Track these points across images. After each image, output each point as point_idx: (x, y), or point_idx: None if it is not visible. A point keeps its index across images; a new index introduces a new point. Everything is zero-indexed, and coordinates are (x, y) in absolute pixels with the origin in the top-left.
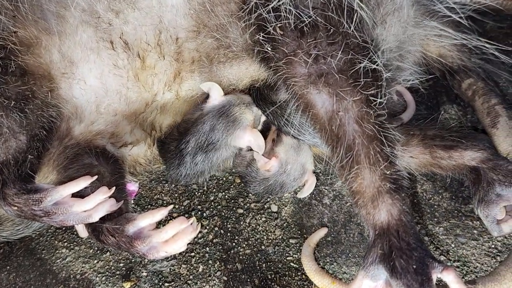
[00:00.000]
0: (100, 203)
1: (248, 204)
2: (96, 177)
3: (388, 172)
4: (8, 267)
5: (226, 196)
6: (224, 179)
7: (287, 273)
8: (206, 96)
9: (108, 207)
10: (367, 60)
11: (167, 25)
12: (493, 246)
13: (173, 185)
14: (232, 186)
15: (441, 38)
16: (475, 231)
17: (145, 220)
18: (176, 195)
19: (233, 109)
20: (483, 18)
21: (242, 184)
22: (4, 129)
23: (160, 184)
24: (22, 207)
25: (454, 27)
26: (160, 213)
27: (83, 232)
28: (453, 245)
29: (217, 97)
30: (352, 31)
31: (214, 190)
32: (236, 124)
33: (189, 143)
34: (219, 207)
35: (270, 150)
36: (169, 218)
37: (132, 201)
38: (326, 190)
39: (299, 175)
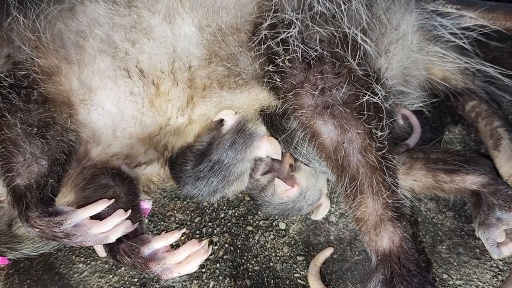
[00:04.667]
0: (117, 225)
1: (257, 222)
2: (113, 200)
3: (390, 201)
4: (28, 281)
5: (236, 214)
6: (234, 197)
7: None
8: (220, 120)
9: (124, 229)
10: (370, 93)
11: (180, 54)
12: (494, 265)
13: (185, 202)
14: (241, 203)
15: (444, 62)
16: (477, 250)
17: (159, 243)
18: (188, 212)
19: (248, 125)
20: (486, 39)
21: (252, 202)
22: (27, 155)
23: (173, 201)
24: (44, 229)
25: (458, 50)
26: (174, 236)
27: (101, 252)
28: (455, 264)
29: (230, 118)
30: (357, 64)
31: (224, 207)
32: (253, 137)
33: (210, 162)
34: (229, 224)
35: (289, 176)
36: (182, 234)
37: (146, 220)
38: (332, 208)
39: (316, 199)
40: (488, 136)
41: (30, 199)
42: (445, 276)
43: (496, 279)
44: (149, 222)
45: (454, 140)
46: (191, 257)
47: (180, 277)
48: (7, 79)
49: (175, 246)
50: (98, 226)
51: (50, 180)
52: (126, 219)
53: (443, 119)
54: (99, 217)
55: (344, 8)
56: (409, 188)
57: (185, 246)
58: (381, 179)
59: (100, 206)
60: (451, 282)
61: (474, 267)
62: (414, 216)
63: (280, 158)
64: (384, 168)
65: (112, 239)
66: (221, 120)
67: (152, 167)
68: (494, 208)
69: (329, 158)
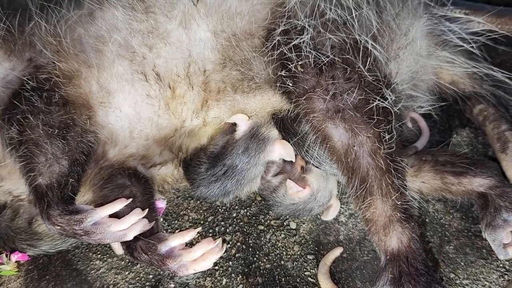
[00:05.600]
0: (134, 223)
1: (268, 221)
2: (130, 199)
3: (399, 203)
4: (47, 277)
5: (248, 213)
6: (246, 197)
7: (304, 287)
8: (233, 124)
9: (141, 227)
10: (380, 97)
11: (195, 58)
12: (501, 265)
13: (198, 202)
14: (253, 203)
15: (453, 67)
16: (484, 250)
17: (176, 240)
18: (201, 211)
19: (261, 130)
20: (494, 43)
21: (263, 202)
22: (48, 155)
23: (186, 201)
24: (65, 226)
25: (466, 55)
26: (189, 235)
27: (119, 250)
28: (462, 263)
29: (244, 123)
30: (367, 70)
31: (237, 207)
32: (266, 142)
33: (224, 166)
34: (241, 223)
35: (300, 178)
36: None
37: (161, 219)
38: (342, 209)
39: (326, 201)
40: (495, 139)
41: (51, 197)
42: (452, 275)
43: (502, 279)
44: (163, 221)
45: (462, 142)
46: (206, 255)
47: (194, 274)
48: (29, 82)
49: (189, 244)
50: (116, 224)
51: (71, 179)
52: (143, 217)
53: (451, 122)
54: (116, 215)
55: (355, 15)
56: (417, 190)
57: (200, 244)
58: (390, 181)
59: (118, 205)
60: (458, 281)
61: (481, 267)
62: (422, 217)
63: (294, 160)
64: (393, 171)
65: (130, 236)
66: (234, 124)
67: (167, 167)
68: (501, 210)
69: (339, 160)
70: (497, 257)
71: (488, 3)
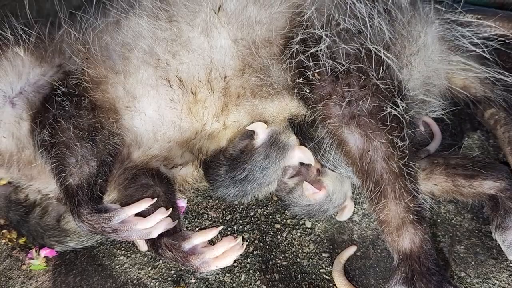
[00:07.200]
0: (159, 222)
1: (284, 220)
2: (155, 199)
3: (411, 205)
4: (74, 271)
5: (265, 212)
6: (263, 197)
7: (320, 284)
8: (251, 130)
9: (166, 225)
10: (392, 104)
11: (216, 65)
12: (511, 265)
13: (217, 201)
14: (270, 203)
15: (465, 71)
16: (494, 250)
17: (199, 238)
18: (220, 210)
19: (280, 137)
20: (506, 48)
21: (279, 202)
22: (79, 157)
23: (205, 200)
24: (94, 224)
25: (478, 60)
26: (212, 233)
27: (143, 247)
28: (473, 263)
29: (263, 131)
30: (380, 78)
31: (254, 206)
32: (286, 148)
33: (244, 171)
34: (258, 222)
35: (316, 180)
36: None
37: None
38: (356, 209)
39: (341, 202)
40: (506, 143)
41: (81, 197)
42: (463, 274)
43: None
44: (184, 219)
45: (473, 145)
46: (227, 252)
47: (214, 270)
48: (60, 87)
49: (210, 242)
50: (142, 223)
51: (99, 180)
52: (167, 216)
53: (463, 126)
54: (142, 214)
55: (370, 25)
56: (429, 192)
57: (222, 242)
58: (403, 184)
59: (144, 205)
60: (468, 280)
61: (491, 266)
62: (434, 217)
63: (313, 163)
64: (406, 175)
65: (155, 234)
66: (254, 132)
67: (187, 168)
68: (511, 212)
69: (355, 164)
70: (506, 257)
71: (501, 8)
